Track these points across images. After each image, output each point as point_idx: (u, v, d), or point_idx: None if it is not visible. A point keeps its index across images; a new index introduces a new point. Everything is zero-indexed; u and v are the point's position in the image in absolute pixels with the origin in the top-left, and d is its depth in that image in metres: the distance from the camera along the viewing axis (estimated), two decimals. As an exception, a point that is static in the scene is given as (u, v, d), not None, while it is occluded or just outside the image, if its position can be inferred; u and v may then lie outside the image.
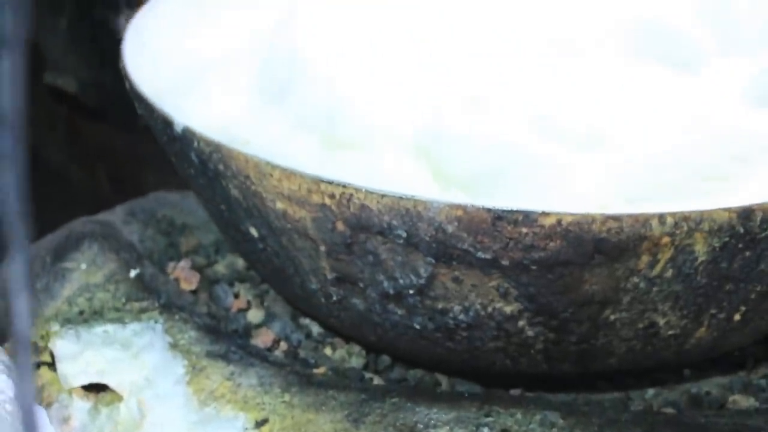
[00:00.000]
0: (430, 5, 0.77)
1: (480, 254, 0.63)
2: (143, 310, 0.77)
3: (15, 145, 0.24)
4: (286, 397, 0.70)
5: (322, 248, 0.66)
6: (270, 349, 0.77)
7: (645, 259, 0.63)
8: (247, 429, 0.70)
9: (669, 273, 0.64)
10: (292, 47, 0.74)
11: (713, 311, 0.67)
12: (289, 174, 0.64)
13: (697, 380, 0.75)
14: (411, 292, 0.66)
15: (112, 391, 0.74)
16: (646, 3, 0.75)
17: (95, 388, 0.75)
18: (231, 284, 0.82)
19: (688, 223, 0.62)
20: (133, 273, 0.80)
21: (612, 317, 0.66)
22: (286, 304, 0.80)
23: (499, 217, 0.61)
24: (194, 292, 0.81)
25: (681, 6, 0.75)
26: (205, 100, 0.74)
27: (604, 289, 0.64)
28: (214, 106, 0.74)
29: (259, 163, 0.65)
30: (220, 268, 0.84)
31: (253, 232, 0.70)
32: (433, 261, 0.64)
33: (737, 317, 0.68)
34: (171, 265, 0.83)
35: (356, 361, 0.76)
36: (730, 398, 0.74)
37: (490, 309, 0.66)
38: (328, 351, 0.77)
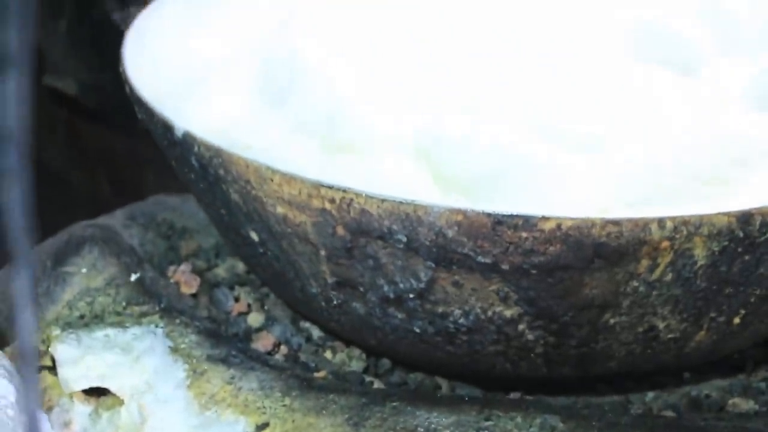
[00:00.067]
0: (429, 7, 0.77)
1: (480, 258, 0.63)
2: (144, 314, 0.77)
3: (20, 162, 0.24)
4: (287, 401, 0.70)
5: (323, 252, 0.66)
6: (270, 353, 0.77)
7: (645, 263, 0.63)
8: (247, 433, 0.70)
9: (668, 277, 0.64)
10: (292, 50, 0.74)
11: (713, 315, 0.67)
12: (290, 179, 0.65)
13: (697, 383, 0.76)
14: (411, 296, 0.66)
15: (113, 395, 0.74)
16: (646, 5, 0.75)
17: (96, 392, 0.75)
18: (231, 288, 0.82)
19: (687, 228, 0.62)
20: (133, 277, 0.80)
21: (612, 321, 0.66)
22: (287, 307, 0.80)
23: (499, 221, 0.61)
24: (194, 295, 0.81)
25: (681, 8, 0.76)
26: (206, 104, 0.74)
27: (603, 293, 0.64)
28: (215, 109, 0.74)
29: (259, 168, 0.66)
30: (221, 271, 0.84)
31: (254, 236, 0.70)
32: (433, 265, 0.64)
33: (737, 321, 0.68)
34: (171, 268, 0.83)
35: (356, 365, 0.77)
36: (730, 401, 0.74)
37: (490, 313, 0.66)
38: (328, 354, 0.78)
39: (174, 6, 0.83)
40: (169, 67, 0.78)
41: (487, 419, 0.68)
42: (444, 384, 0.76)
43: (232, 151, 0.67)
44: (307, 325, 0.80)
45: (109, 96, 1.30)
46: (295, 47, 0.74)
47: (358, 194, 0.63)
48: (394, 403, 0.69)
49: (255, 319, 0.80)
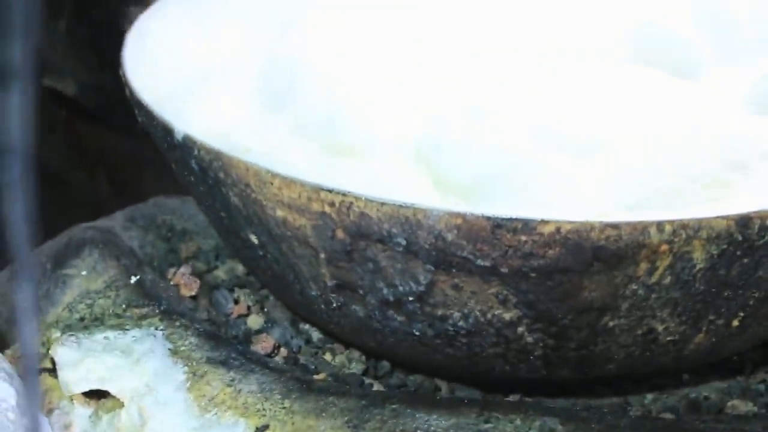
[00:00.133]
0: (429, 11, 0.77)
1: (479, 262, 0.63)
2: (144, 317, 0.77)
3: (23, 174, 0.24)
4: (287, 404, 0.71)
5: (322, 255, 0.67)
6: (270, 355, 0.77)
7: (644, 266, 0.63)
8: (247, 435, 0.70)
9: (667, 280, 0.64)
10: (292, 54, 0.74)
11: (712, 317, 0.67)
12: (290, 182, 0.65)
13: (696, 385, 0.76)
14: (410, 299, 0.66)
15: (113, 397, 0.74)
16: (646, 9, 0.76)
17: (96, 395, 0.75)
18: (231, 290, 0.82)
19: (686, 231, 0.62)
20: (133, 279, 0.80)
21: (611, 324, 0.66)
22: (286, 309, 0.81)
23: (498, 225, 0.61)
24: (194, 297, 0.81)
25: (681, 12, 0.76)
26: (206, 107, 0.74)
27: (602, 296, 0.64)
28: (215, 112, 0.74)
29: (259, 171, 0.66)
30: (220, 273, 0.84)
31: (253, 239, 0.70)
32: (433, 268, 0.64)
33: (735, 323, 0.68)
34: (171, 271, 0.83)
35: (356, 367, 0.77)
36: (729, 403, 0.74)
37: (489, 316, 0.66)
38: (328, 357, 0.78)
39: (175, 8, 0.83)
40: (169, 69, 0.78)
41: (486, 421, 0.68)
42: (443, 386, 0.76)
43: (232, 155, 0.67)
44: (306, 327, 0.80)
45: (109, 96, 1.30)
46: (296, 50, 0.74)
47: (357, 198, 0.63)
48: (394, 406, 0.70)
49: (255, 321, 0.80)
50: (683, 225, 0.62)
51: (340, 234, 0.65)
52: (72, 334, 0.77)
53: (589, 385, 0.74)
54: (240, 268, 0.84)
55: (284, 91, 0.73)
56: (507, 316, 0.66)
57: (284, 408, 0.70)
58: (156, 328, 0.76)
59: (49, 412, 0.75)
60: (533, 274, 0.63)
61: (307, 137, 0.70)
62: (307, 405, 0.70)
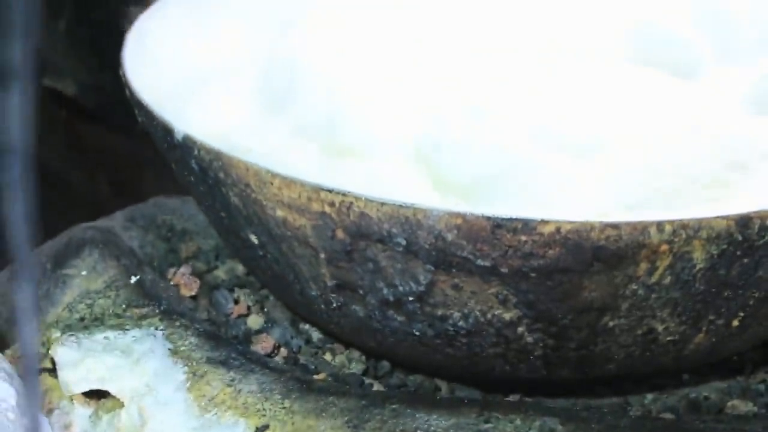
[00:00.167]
0: (429, 11, 0.77)
1: (479, 262, 0.63)
2: (144, 317, 0.77)
3: (24, 175, 0.24)
4: (287, 404, 0.71)
5: (322, 255, 0.67)
6: (270, 355, 0.77)
7: (643, 266, 0.63)
8: (247, 435, 0.70)
9: (667, 280, 0.64)
10: (292, 54, 0.75)
11: (712, 317, 0.67)
12: (290, 182, 0.65)
13: (696, 385, 0.76)
14: (410, 299, 0.66)
15: (113, 397, 0.74)
16: (646, 9, 0.76)
17: (96, 395, 0.75)
18: (231, 290, 0.82)
19: (686, 231, 0.62)
20: (133, 279, 0.80)
21: (611, 324, 0.66)
22: (286, 309, 0.81)
23: (498, 225, 0.61)
24: (194, 297, 0.81)
25: (680, 12, 0.76)
26: (206, 107, 0.74)
27: (602, 296, 0.64)
28: (215, 112, 0.74)
29: (259, 171, 0.66)
30: (220, 273, 0.84)
31: (253, 239, 0.70)
32: (433, 268, 0.64)
33: (735, 323, 0.68)
34: (171, 271, 0.83)
35: (356, 367, 0.77)
36: (729, 403, 0.74)
37: (489, 316, 0.66)
38: (328, 357, 0.78)
39: (175, 8, 0.83)
40: (169, 69, 0.78)
41: (486, 422, 0.68)
42: (443, 386, 0.76)
43: (232, 155, 0.67)
44: (306, 327, 0.80)
45: (109, 96, 1.30)
46: (296, 51, 0.74)
47: (357, 198, 0.63)
48: (394, 406, 0.70)
49: (255, 321, 0.80)
50: (683, 225, 0.62)
51: (340, 234, 0.65)
52: (72, 334, 0.77)
53: (589, 385, 0.75)
54: (240, 268, 0.84)
55: (284, 92, 0.73)
56: (507, 316, 0.66)
57: (284, 408, 0.70)
58: (156, 328, 0.76)
59: (49, 412, 0.75)
60: (533, 274, 0.63)
61: (307, 137, 0.71)
62: (307, 405, 0.70)
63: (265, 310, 0.81)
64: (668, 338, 0.68)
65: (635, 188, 0.67)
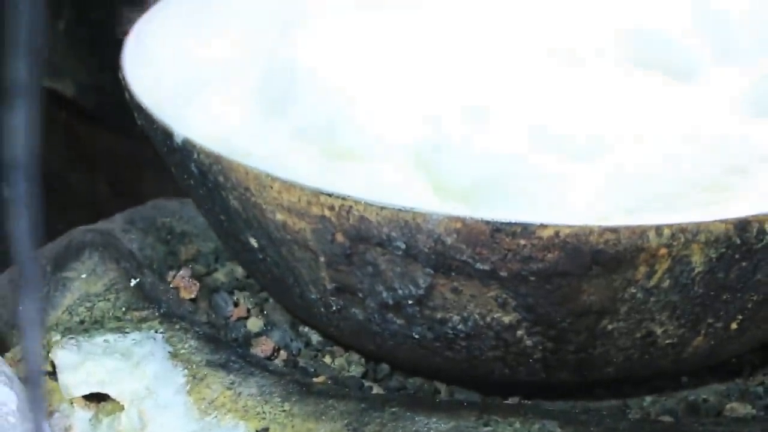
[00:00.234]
0: (428, 15, 0.77)
1: (479, 265, 0.63)
2: (143, 320, 0.77)
3: (29, 191, 0.24)
4: (286, 406, 0.71)
5: (322, 259, 0.67)
6: (270, 358, 0.77)
7: (642, 270, 0.63)
8: (247, 438, 0.70)
9: (666, 283, 0.64)
10: (292, 57, 0.75)
11: (710, 320, 0.67)
12: (289, 186, 0.65)
13: (695, 388, 0.76)
14: (410, 302, 0.66)
15: (113, 400, 0.74)
16: (644, 13, 0.76)
17: (96, 398, 0.75)
18: (231, 292, 0.82)
19: (685, 235, 0.62)
20: (133, 282, 0.80)
21: (609, 327, 0.66)
22: (286, 312, 0.81)
23: (497, 229, 0.62)
24: (194, 300, 0.81)
25: (678, 16, 0.76)
26: (206, 110, 0.74)
27: (601, 300, 0.64)
28: (215, 116, 0.74)
29: (259, 175, 0.66)
30: (220, 276, 0.84)
31: (253, 242, 0.70)
32: (432, 272, 0.64)
33: (734, 326, 0.68)
34: (171, 273, 0.83)
35: (356, 370, 0.77)
36: (728, 406, 0.74)
37: (488, 319, 0.66)
38: (327, 359, 0.78)
39: (174, 11, 0.83)
40: (169, 72, 0.78)
41: (485, 424, 0.68)
42: (443, 388, 0.76)
43: (232, 158, 0.67)
44: (306, 330, 0.80)
45: (108, 97, 1.30)
46: (296, 54, 0.74)
47: (357, 201, 0.63)
48: (393, 409, 0.70)
49: (254, 324, 0.80)
50: (682, 229, 0.62)
51: (339, 238, 0.65)
52: (72, 337, 0.77)
53: (588, 388, 0.75)
54: (239, 271, 0.84)
55: (284, 94, 0.73)
56: (506, 319, 0.66)
57: (284, 411, 0.71)
58: (156, 331, 0.76)
59: (49, 415, 0.75)
60: (532, 278, 0.63)
61: (307, 140, 0.71)
62: (307, 408, 0.70)
63: (265, 312, 0.81)
64: (667, 341, 0.68)
65: (634, 192, 0.67)
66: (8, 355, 0.78)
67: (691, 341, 0.68)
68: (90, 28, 1.32)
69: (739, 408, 0.74)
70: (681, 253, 0.62)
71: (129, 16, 1.21)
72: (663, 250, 0.62)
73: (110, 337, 0.76)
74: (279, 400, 0.71)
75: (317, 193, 0.64)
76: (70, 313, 0.79)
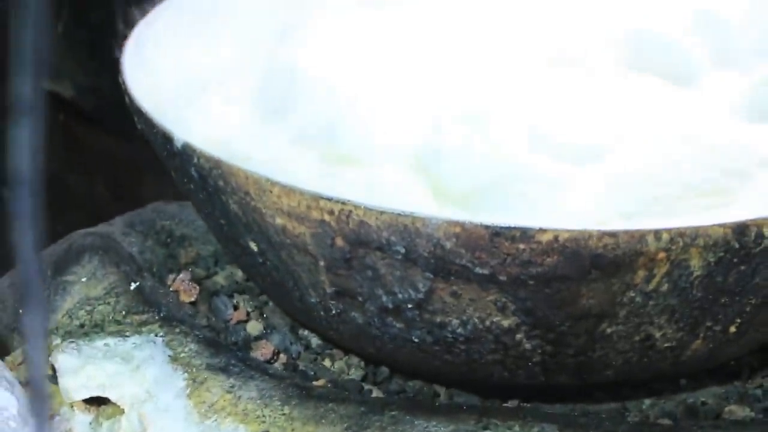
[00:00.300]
0: (428, 18, 0.77)
1: (478, 269, 0.63)
2: (143, 323, 0.78)
3: (33, 207, 0.24)
4: (286, 410, 0.71)
5: (322, 263, 0.67)
6: (270, 362, 0.77)
7: (641, 273, 0.63)
8: (247, 441, 0.70)
9: (665, 287, 0.64)
10: (292, 62, 0.75)
11: (709, 324, 0.68)
12: (289, 190, 0.65)
13: (694, 390, 0.76)
14: (409, 306, 0.67)
15: (114, 404, 0.74)
16: (642, 17, 0.76)
17: (96, 402, 0.75)
18: (230, 296, 0.83)
19: (683, 239, 0.62)
20: (133, 285, 0.80)
21: (608, 330, 0.66)
22: (285, 315, 0.81)
23: (496, 233, 0.62)
24: (194, 304, 0.82)
25: (678, 20, 0.76)
26: (205, 115, 0.74)
27: (600, 303, 0.65)
28: (215, 120, 0.74)
29: (258, 180, 0.66)
30: (220, 279, 0.84)
31: (253, 246, 0.70)
32: (432, 276, 0.64)
33: (733, 329, 0.68)
34: (171, 277, 0.84)
35: (355, 373, 0.77)
36: (726, 408, 0.75)
37: (488, 323, 0.66)
38: (327, 363, 0.78)
39: (174, 15, 0.83)
40: (168, 76, 0.78)
41: (485, 428, 0.69)
42: (442, 392, 0.76)
43: (232, 163, 0.67)
44: (305, 333, 0.80)
45: (107, 99, 1.30)
46: (295, 58, 0.74)
47: (356, 206, 0.63)
48: (393, 412, 0.70)
49: (254, 327, 0.80)
50: (680, 233, 0.62)
51: (339, 242, 0.65)
52: (72, 341, 0.77)
53: (587, 391, 0.75)
54: (239, 274, 0.84)
55: (284, 99, 0.73)
56: (505, 323, 0.66)
57: (284, 414, 0.71)
58: (156, 335, 0.77)
59: (50, 418, 0.75)
60: (531, 282, 0.63)
61: (307, 145, 0.71)
62: (307, 411, 0.71)
63: (265, 316, 0.81)
64: (666, 344, 0.68)
65: (633, 196, 0.67)
66: (8, 358, 0.78)
67: (689, 344, 0.69)
68: (89, 29, 1.32)
69: (738, 411, 0.74)
70: (679, 257, 0.63)
71: (129, 18, 1.21)
72: (662, 254, 0.62)
73: (110, 340, 0.77)
74: (279, 403, 0.71)
75: (317, 197, 0.64)
76: (70, 316, 0.79)
